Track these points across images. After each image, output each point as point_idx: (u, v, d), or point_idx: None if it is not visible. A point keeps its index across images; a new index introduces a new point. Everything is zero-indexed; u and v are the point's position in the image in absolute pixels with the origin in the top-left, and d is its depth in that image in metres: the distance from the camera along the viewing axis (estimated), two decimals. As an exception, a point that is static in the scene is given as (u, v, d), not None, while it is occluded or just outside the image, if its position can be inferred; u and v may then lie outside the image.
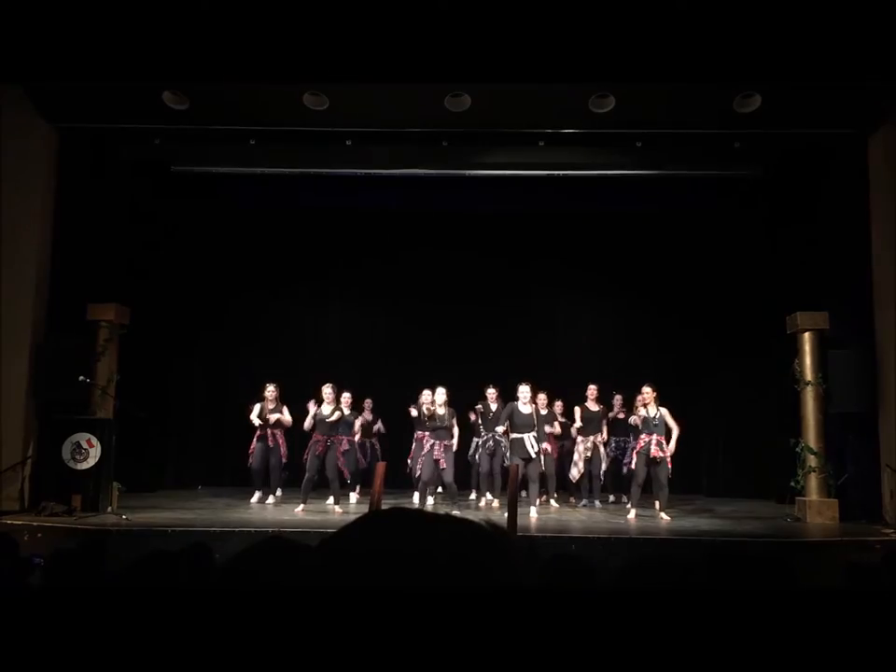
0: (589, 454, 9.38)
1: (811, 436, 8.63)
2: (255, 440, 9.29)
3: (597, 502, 9.42)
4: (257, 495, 9.26)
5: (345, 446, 9.12)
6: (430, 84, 7.74)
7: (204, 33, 6.56)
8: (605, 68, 6.88)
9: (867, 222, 8.50)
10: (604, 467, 9.39)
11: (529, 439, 8.57)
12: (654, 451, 8.35)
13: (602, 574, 2.15)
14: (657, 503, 8.47)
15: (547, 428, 9.00)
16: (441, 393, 8.73)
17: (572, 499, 9.68)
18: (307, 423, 8.80)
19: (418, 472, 8.78)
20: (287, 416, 9.21)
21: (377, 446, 10.55)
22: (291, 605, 0.60)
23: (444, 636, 0.56)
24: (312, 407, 8.91)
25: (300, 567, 0.68)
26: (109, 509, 7.94)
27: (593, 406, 9.49)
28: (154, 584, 1.88)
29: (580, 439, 9.48)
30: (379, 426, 10.61)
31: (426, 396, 9.02)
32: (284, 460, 9.38)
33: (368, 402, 10.45)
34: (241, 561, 1.25)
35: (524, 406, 8.68)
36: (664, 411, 8.46)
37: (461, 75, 7.18)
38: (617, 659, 1.12)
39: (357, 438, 9.59)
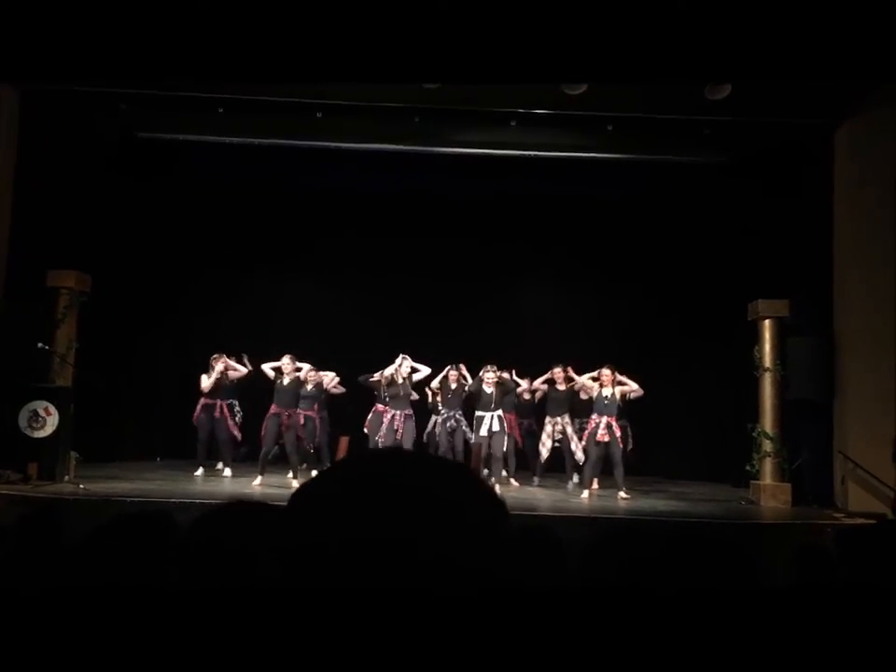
0: (560, 434, 9.47)
1: (768, 421, 8.81)
2: (199, 408, 9.27)
3: (570, 483, 9.52)
4: (201, 469, 9.21)
5: (301, 420, 9.09)
6: (403, 83, 7.73)
7: (178, 29, 6.43)
8: (574, 67, 6.86)
9: (831, 213, 8.65)
10: (574, 446, 9.41)
11: (493, 417, 8.76)
12: (601, 435, 8.50)
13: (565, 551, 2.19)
14: (617, 482, 8.61)
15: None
16: (406, 365, 8.82)
17: (535, 478, 9.80)
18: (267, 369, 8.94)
19: (379, 445, 8.84)
20: (240, 370, 9.37)
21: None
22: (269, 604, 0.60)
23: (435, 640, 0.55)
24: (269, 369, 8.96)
25: (267, 524, 0.67)
26: (66, 478, 7.84)
27: (560, 387, 9.57)
28: (116, 552, 1.87)
29: (547, 419, 9.57)
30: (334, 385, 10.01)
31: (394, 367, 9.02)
32: (237, 434, 9.35)
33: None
34: (204, 524, 1.25)
35: (486, 387, 8.87)
36: (620, 389, 8.61)
37: (433, 74, 7.18)
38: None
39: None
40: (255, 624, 0.60)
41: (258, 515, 1.23)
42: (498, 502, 0.64)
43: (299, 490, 0.63)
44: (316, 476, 0.64)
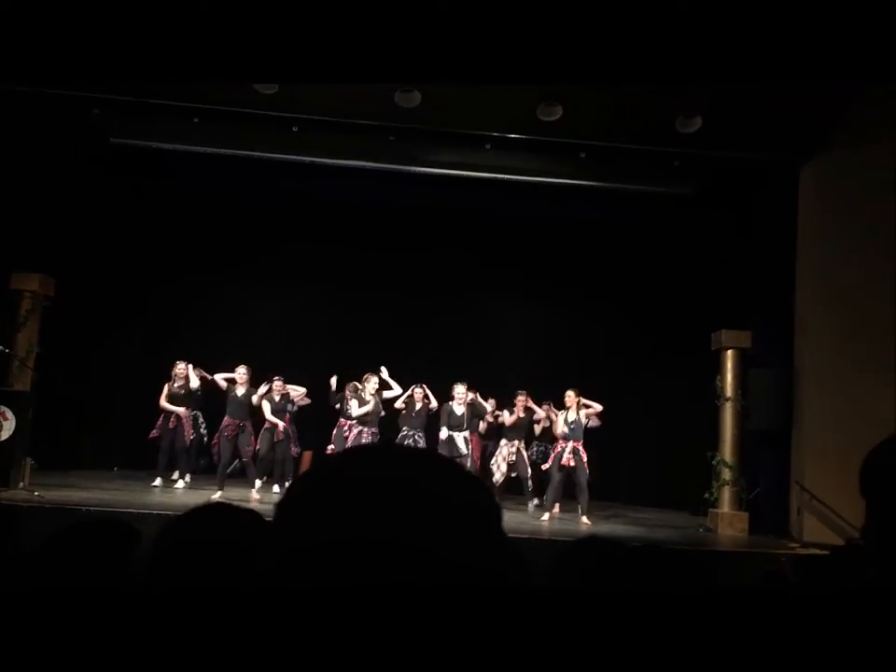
0: (513, 458, 9.45)
1: (727, 450, 8.93)
2: (160, 418, 9.15)
3: (531, 504, 9.52)
4: (159, 479, 9.07)
5: (280, 436, 9.04)
6: (379, 84, 7.74)
7: (157, 28, 6.40)
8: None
9: (794, 247, 8.84)
10: (529, 471, 9.43)
11: (460, 437, 8.75)
12: (567, 459, 8.52)
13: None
14: (580, 507, 8.64)
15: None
16: (374, 381, 8.79)
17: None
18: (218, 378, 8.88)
19: None
20: (192, 383, 9.17)
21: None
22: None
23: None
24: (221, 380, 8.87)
25: (246, 525, 0.66)
26: (21, 484, 7.68)
27: (521, 413, 9.55)
28: (73, 558, 1.84)
29: (503, 442, 9.54)
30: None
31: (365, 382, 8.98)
32: (189, 441, 9.21)
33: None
34: (182, 524, 1.23)
35: (458, 406, 8.85)
36: (586, 411, 8.67)
37: (409, 75, 7.18)
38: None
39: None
40: (233, 628, 0.61)
41: (237, 517, 1.22)
42: (492, 500, 0.65)
43: (291, 487, 0.64)
44: (310, 471, 0.65)
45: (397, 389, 8.99)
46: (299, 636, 0.55)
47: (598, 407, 8.80)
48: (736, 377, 9.04)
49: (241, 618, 0.61)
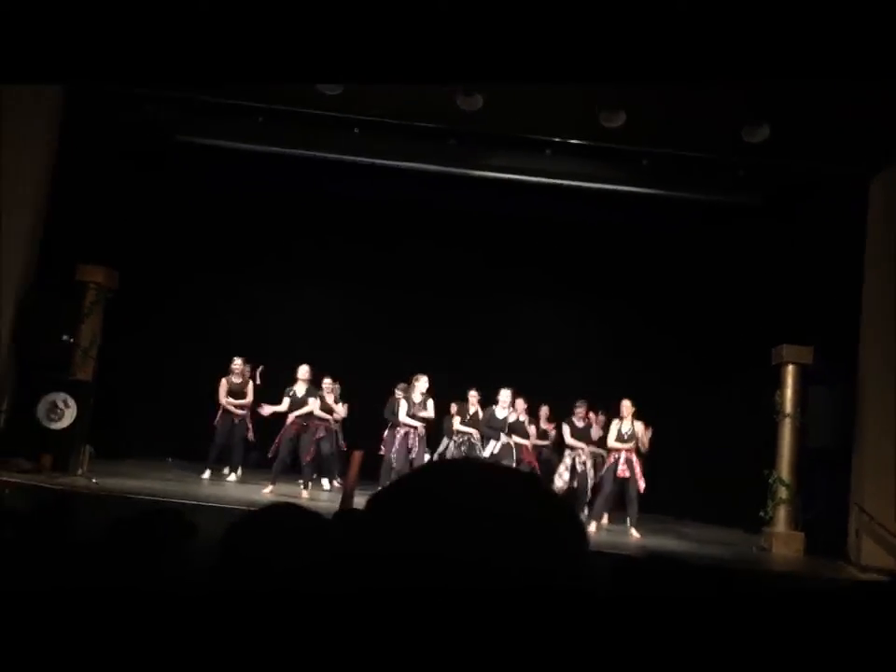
0: (581, 467, 9.26)
1: (784, 468, 8.70)
2: (220, 412, 9.28)
3: (582, 516, 9.41)
4: (207, 472, 9.17)
5: (321, 433, 9.10)
6: (440, 85, 7.73)
7: (211, 31, 6.50)
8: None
9: (861, 263, 8.58)
10: (590, 482, 9.17)
11: (499, 441, 8.74)
12: (622, 470, 8.41)
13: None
14: (629, 519, 8.53)
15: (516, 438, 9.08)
16: (423, 381, 8.77)
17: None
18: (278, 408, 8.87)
19: (392, 462, 8.75)
20: (243, 400, 9.27)
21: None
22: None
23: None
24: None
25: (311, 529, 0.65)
26: (80, 471, 7.88)
27: (579, 423, 9.38)
28: (133, 549, 1.86)
29: (567, 452, 9.33)
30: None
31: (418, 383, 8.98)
32: (250, 437, 9.31)
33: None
34: (250, 525, 1.22)
35: (500, 410, 8.81)
36: (638, 426, 8.57)
37: (466, 75, 7.16)
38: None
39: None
40: (295, 632, 0.60)
41: (306, 519, 1.21)
42: (576, 522, 0.63)
43: (374, 496, 0.63)
44: (392, 484, 0.64)
45: (430, 412, 8.89)
46: (353, 636, 0.54)
47: (646, 440, 8.68)
48: (796, 393, 8.81)
49: (304, 620, 0.60)
